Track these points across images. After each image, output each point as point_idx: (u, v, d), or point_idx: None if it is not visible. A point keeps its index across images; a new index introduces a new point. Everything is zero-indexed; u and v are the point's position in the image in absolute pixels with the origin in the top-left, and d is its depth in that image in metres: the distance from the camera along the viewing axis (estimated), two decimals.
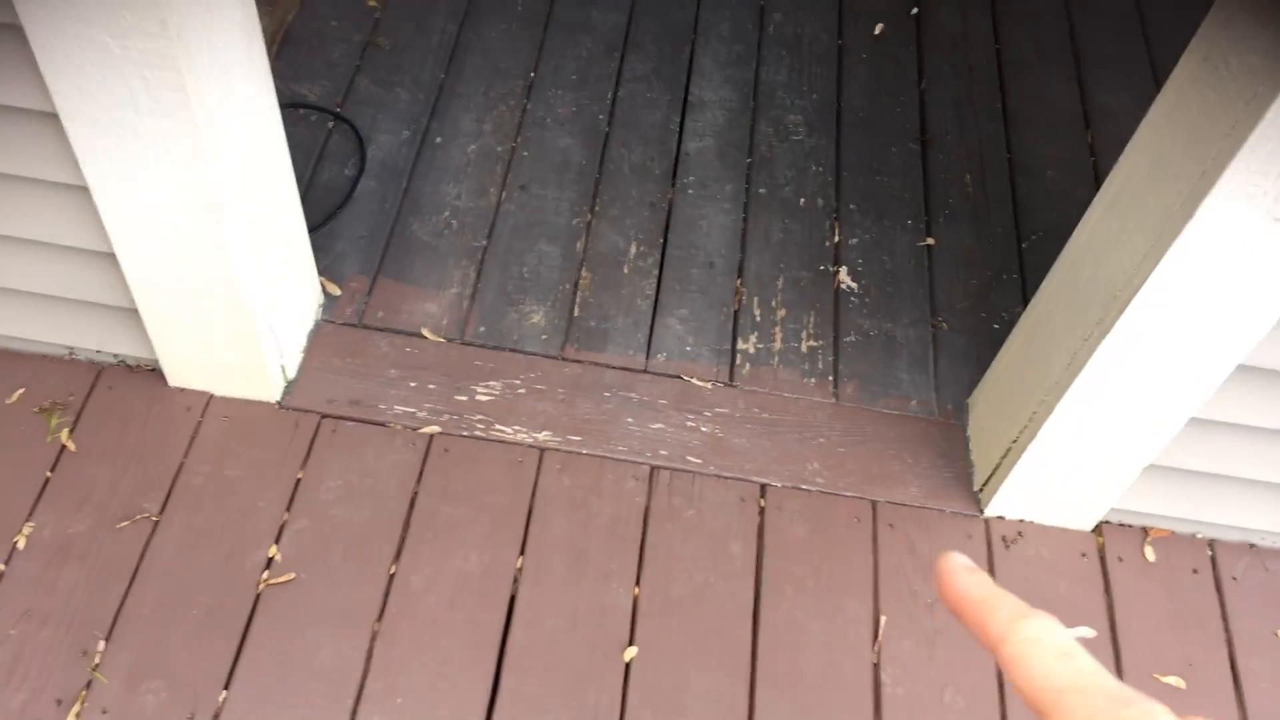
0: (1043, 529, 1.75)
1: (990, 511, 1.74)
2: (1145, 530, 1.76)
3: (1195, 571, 1.73)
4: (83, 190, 1.41)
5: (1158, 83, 2.40)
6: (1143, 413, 1.49)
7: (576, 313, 1.92)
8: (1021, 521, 1.75)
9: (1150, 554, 1.74)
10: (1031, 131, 2.32)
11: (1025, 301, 2.02)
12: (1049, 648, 0.35)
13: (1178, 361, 1.40)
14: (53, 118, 1.31)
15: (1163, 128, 1.30)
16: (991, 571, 1.69)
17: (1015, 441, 1.65)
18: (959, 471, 1.80)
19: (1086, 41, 2.51)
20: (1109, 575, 1.71)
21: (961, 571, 0.39)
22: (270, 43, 2.22)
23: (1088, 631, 0.39)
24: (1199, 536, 1.77)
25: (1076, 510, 1.72)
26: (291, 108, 2.13)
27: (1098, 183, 2.21)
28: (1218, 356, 1.39)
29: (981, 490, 1.76)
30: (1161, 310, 1.33)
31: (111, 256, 1.51)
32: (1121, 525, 1.76)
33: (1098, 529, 1.76)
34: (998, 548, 1.72)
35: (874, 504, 1.75)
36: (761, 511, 1.72)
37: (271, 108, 1.50)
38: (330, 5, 2.33)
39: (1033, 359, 1.62)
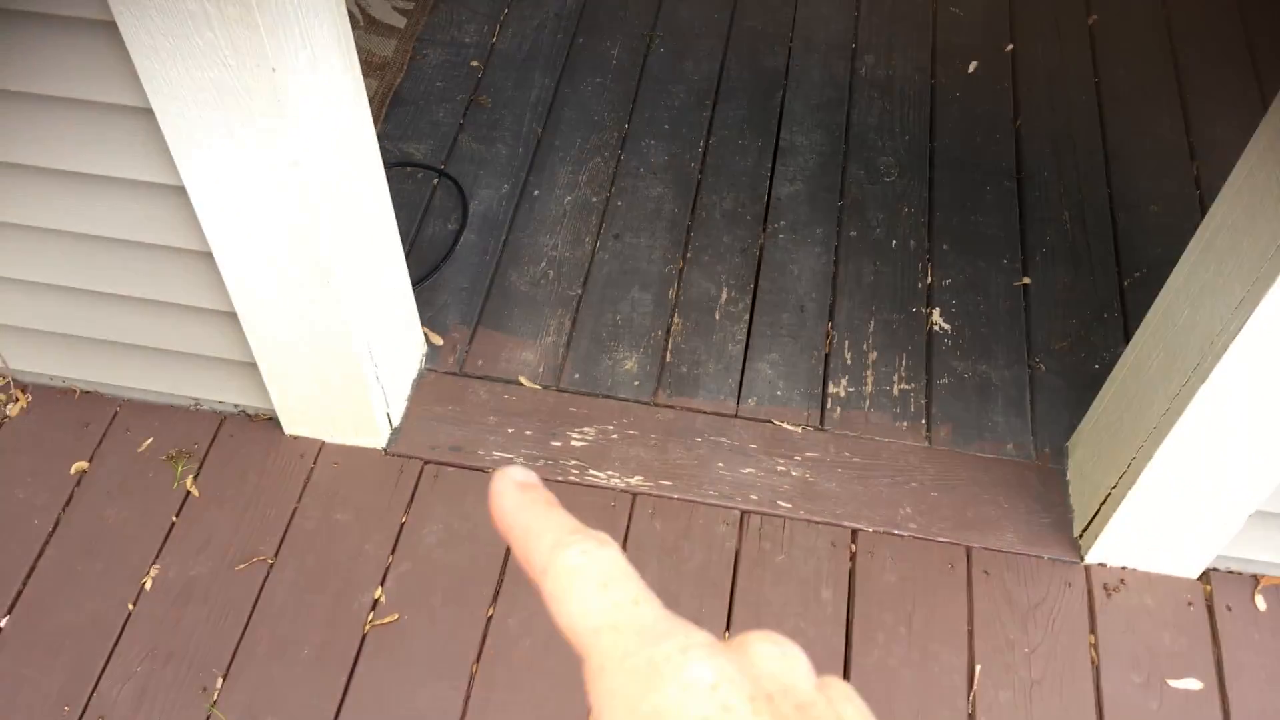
0: (1146, 576, 1.70)
1: (1091, 558, 1.71)
2: (1256, 578, 1.70)
3: None
4: (208, 256, 1.52)
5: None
6: (1245, 461, 1.45)
7: (668, 358, 1.96)
8: (1124, 569, 1.71)
9: (1261, 603, 1.67)
10: (1133, 166, 2.27)
11: (1127, 341, 1.97)
12: (589, 578, 0.29)
13: (1277, 411, 1.36)
14: (181, 190, 1.43)
15: (1259, 167, 1.28)
16: (1092, 620, 1.65)
17: (1115, 488, 1.62)
18: (1057, 517, 1.77)
19: (1191, 74, 2.45)
20: (1217, 625, 1.65)
21: (511, 491, 0.32)
22: (379, 105, 2.34)
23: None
24: None
25: (1182, 557, 1.67)
26: (399, 166, 2.24)
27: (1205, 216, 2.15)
28: None
29: (1081, 536, 1.73)
30: (1259, 360, 1.29)
31: (233, 315, 1.62)
32: (1230, 573, 1.70)
33: (1205, 576, 1.70)
34: (1099, 596, 1.68)
35: (968, 550, 1.73)
36: (852, 557, 1.72)
37: (377, 170, 1.59)
38: (436, 67, 2.44)
39: (1130, 404, 1.58)
